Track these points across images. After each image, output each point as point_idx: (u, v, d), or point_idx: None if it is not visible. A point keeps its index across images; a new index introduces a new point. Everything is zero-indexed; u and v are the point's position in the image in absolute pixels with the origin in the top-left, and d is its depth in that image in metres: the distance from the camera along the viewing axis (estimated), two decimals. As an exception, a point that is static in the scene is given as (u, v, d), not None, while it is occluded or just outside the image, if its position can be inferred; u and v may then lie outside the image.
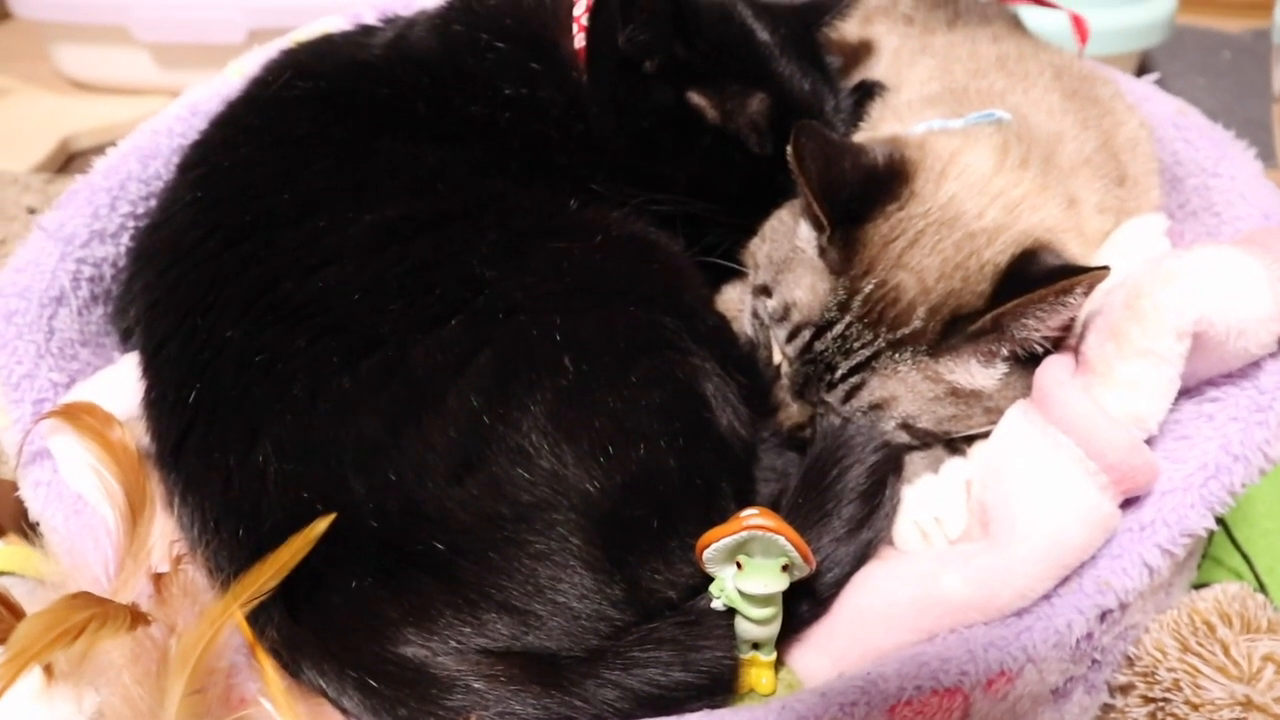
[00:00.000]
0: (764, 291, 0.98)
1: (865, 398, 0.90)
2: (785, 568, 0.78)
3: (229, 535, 0.81)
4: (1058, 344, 0.90)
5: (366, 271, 0.86)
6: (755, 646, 0.82)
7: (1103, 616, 0.80)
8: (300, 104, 1.02)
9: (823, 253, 0.93)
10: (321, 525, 0.75)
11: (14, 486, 0.94)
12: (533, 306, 0.85)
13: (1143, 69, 2.11)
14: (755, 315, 1.00)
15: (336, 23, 1.28)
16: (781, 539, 0.76)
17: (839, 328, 0.90)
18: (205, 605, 0.76)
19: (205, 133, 1.06)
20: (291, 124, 1.00)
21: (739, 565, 0.79)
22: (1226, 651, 0.85)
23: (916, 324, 0.88)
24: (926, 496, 0.90)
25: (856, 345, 0.89)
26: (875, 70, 1.24)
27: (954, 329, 0.87)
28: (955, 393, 0.89)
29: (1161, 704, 0.85)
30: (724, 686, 0.80)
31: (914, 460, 0.92)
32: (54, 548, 0.86)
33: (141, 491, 0.86)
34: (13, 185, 1.82)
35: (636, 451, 0.80)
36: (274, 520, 0.78)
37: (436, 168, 0.96)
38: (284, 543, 0.75)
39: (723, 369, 0.89)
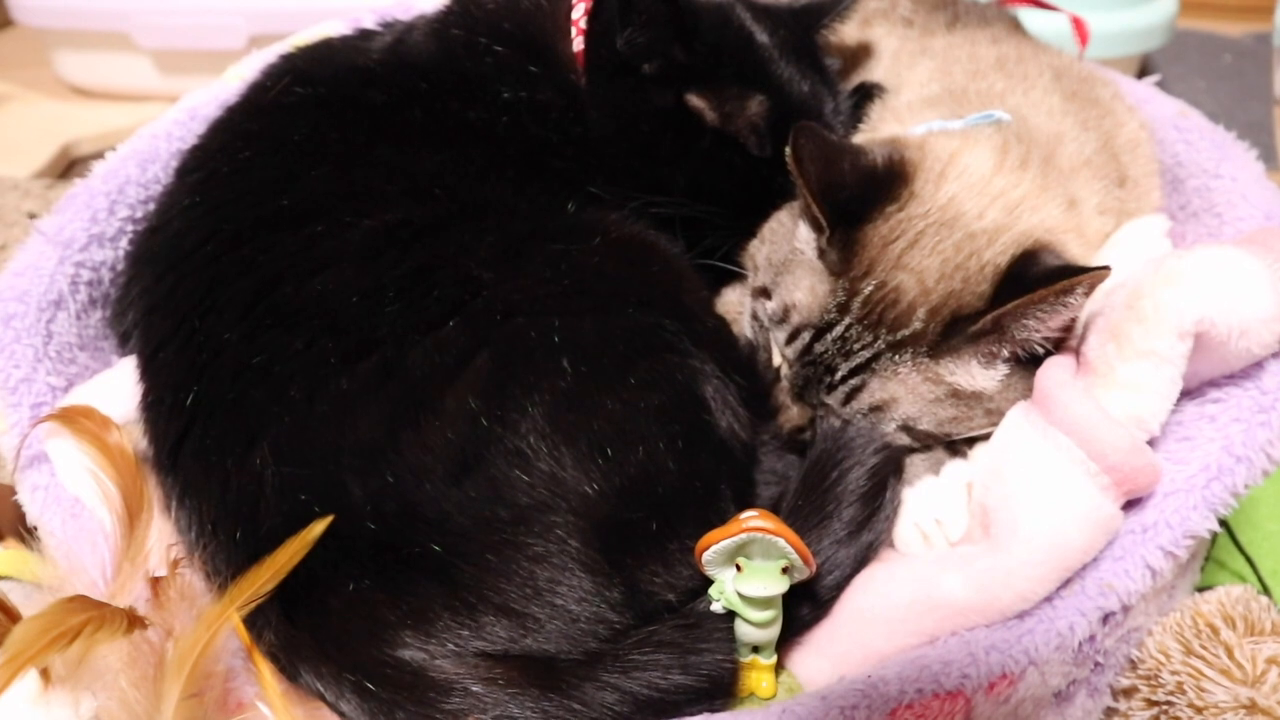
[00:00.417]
0: (763, 294, 0.98)
1: (865, 400, 0.89)
2: (785, 570, 0.78)
3: (226, 538, 0.80)
4: (1059, 345, 0.90)
5: (364, 275, 0.86)
6: (755, 650, 0.82)
7: (1105, 619, 0.80)
8: (298, 110, 1.02)
9: (822, 254, 0.93)
10: (319, 528, 0.75)
11: (12, 490, 0.94)
12: (531, 309, 0.85)
13: (1143, 72, 2.11)
14: (755, 317, 1.00)
15: (336, 27, 1.29)
16: (781, 541, 0.76)
17: (839, 329, 0.90)
18: (202, 608, 0.76)
19: (204, 138, 1.06)
20: (290, 130, 1.00)
21: (739, 568, 0.78)
22: (1230, 654, 0.84)
23: (917, 325, 0.88)
24: (927, 498, 0.89)
25: (856, 347, 0.89)
26: (874, 72, 1.24)
27: (954, 330, 0.87)
28: (956, 394, 0.89)
29: (1165, 707, 0.85)
30: (724, 690, 0.79)
31: (914, 462, 0.92)
32: (51, 551, 0.86)
33: (139, 495, 0.86)
34: (13, 191, 1.82)
35: (635, 454, 0.80)
36: (271, 523, 0.78)
37: (434, 172, 0.96)
38: (281, 545, 0.75)
39: (722, 371, 0.89)
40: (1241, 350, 0.84)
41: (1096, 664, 0.84)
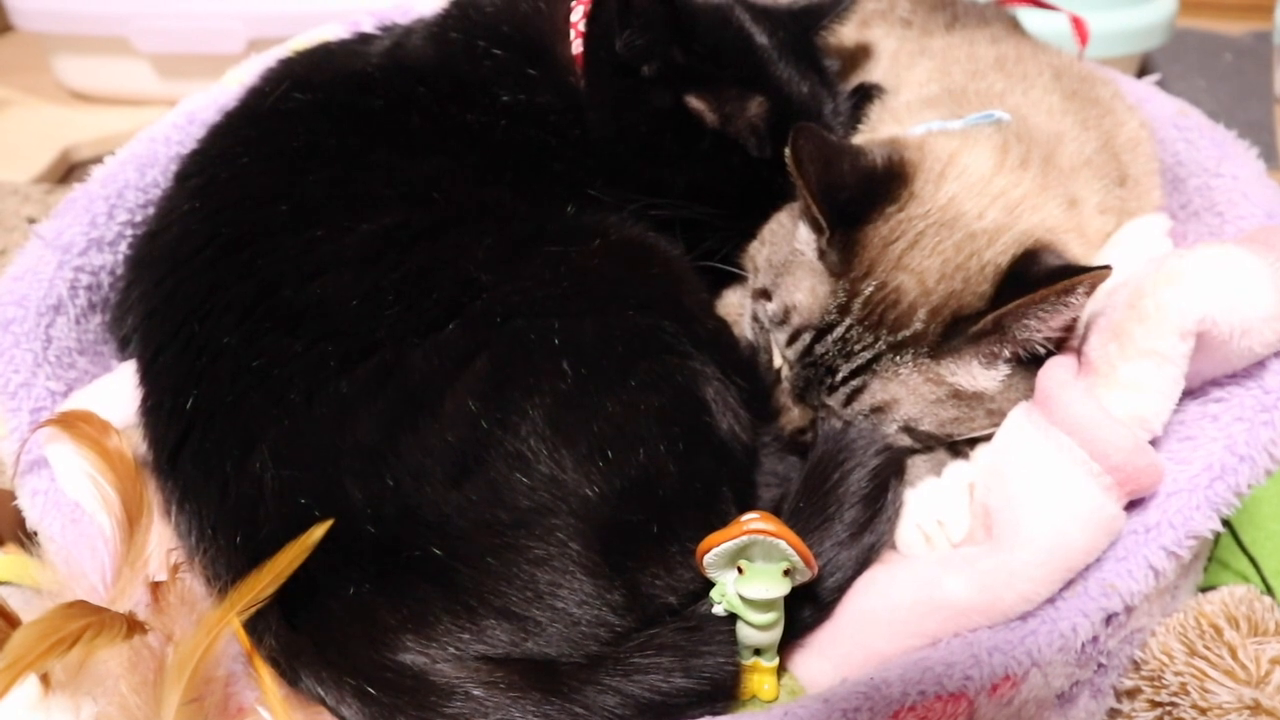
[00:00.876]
0: (764, 295, 0.97)
1: (867, 401, 0.89)
2: (787, 572, 0.78)
3: (226, 542, 0.80)
4: (1060, 345, 0.89)
5: (364, 278, 0.86)
6: (757, 652, 0.82)
7: (1108, 620, 0.80)
8: (297, 115, 1.02)
9: (822, 255, 0.93)
10: (319, 531, 0.75)
11: (11, 495, 0.94)
12: (531, 311, 0.84)
13: (1143, 71, 2.10)
14: (755, 319, 1.00)
15: (335, 31, 1.28)
16: (783, 543, 0.76)
17: (839, 330, 0.89)
18: (203, 613, 0.76)
19: (203, 142, 1.06)
20: (288, 135, 1.00)
21: (740, 570, 0.78)
22: (1234, 655, 0.84)
23: (917, 326, 0.88)
24: (929, 500, 0.89)
25: (857, 348, 0.89)
26: (873, 73, 1.24)
27: (955, 330, 0.87)
28: (957, 395, 0.88)
29: (1169, 708, 0.84)
30: (726, 693, 0.79)
31: (916, 463, 0.91)
32: (51, 556, 0.86)
33: (139, 499, 0.86)
34: (13, 196, 1.82)
35: (636, 456, 0.80)
36: (271, 527, 0.78)
37: (433, 176, 0.95)
38: (281, 549, 0.74)
39: (723, 373, 0.89)
40: (1244, 349, 0.84)
41: (1100, 665, 0.84)
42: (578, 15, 1.09)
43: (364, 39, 1.16)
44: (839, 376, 0.90)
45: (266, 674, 0.75)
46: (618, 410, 0.81)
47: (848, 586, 0.84)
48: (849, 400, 0.90)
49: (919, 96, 1.11)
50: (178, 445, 0.85)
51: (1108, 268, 0.83)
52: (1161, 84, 1.31)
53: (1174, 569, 0.82)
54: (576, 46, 1.08)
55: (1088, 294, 0.84)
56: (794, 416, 0.95)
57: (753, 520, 0.76)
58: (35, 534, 0.90)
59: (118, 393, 0.96)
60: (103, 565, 0.83)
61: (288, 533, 0.75)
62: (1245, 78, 2.27)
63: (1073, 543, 0.79)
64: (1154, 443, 0.86)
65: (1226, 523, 0.84)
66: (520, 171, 0.99)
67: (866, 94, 1.18)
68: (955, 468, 0.91)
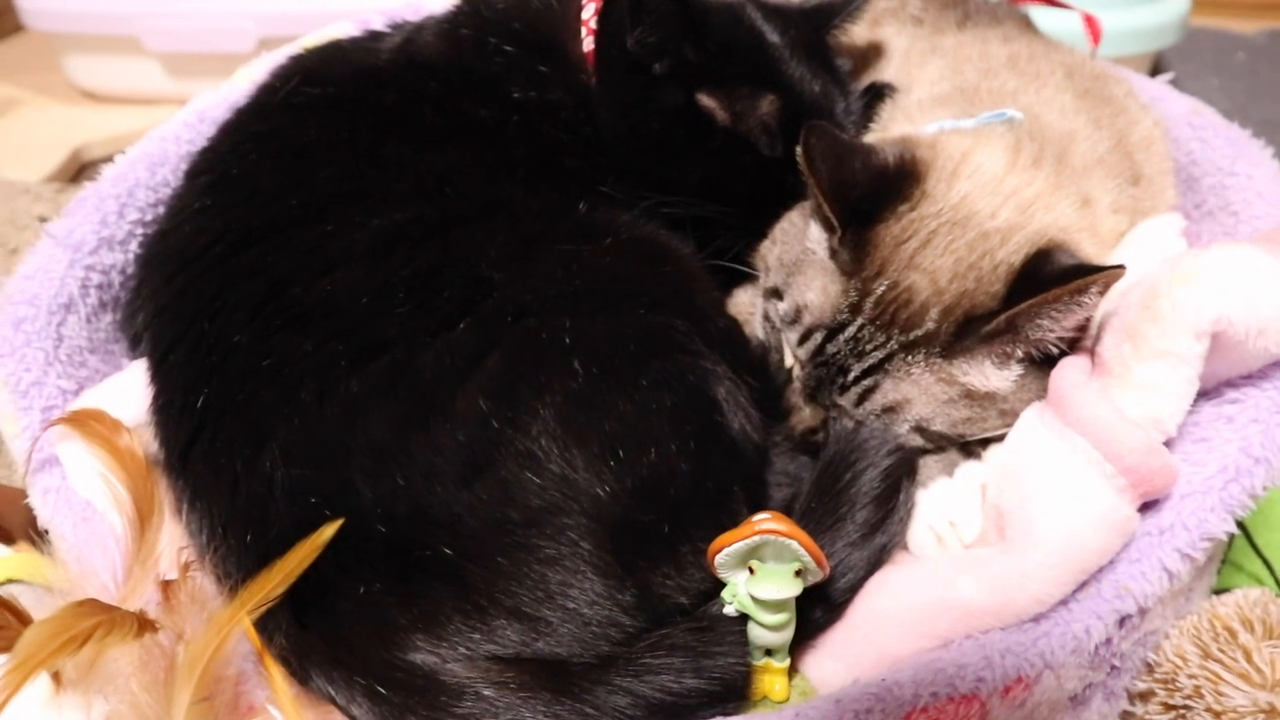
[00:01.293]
0: (775, 294, 0.97)
1: (878, 400, 0.89)
2: (798, 573, 0.78)
3: (237, 541, 0.80)
4: (1073, 345, 0.89)
5: (374, 275, 0.86)
6: (768, 653, 0.81)
7: (1121, 622, 0.79)
8: (308, 110, 1.02)
9: (834, 254, 0.93)
10: (329, 530, 0.75)
11: (23, 494, 0.94)
12: (542, 309, 0.84)
13: (1156, 70, 2.09)
14: (766, 318, 0.99)
15: (346, 29, 1.28)
16: (794, 544, 0.76)
17: (851, 330, 0.89)
18: (213, 612, 0.76)
19: (213, 139, 1.06)
20: (299, 130, 1.00)
21: (751, 570, 0.78)
22: (1249, 658, 0.84)
23: (929, 325, 0.87)
24: (941, 500, 0.89)
25: (869, 347, 0.89)
26: (885, 72, 1.24)
27: (968, 330, 0.86)
28: (969, 395, 0.88)
29: (1182, 711, 0.84)
30: (737, 693, 0.79)
31: (928, 464, 0.91)
32: (62, 555, 0.86)
33: (149, 498, 0.86)
34: (25, 195, 1.83)
35: (647, 455, 0.80)
36: (281, 526, 0.78)
37: (444, 172, 0.95)
38: (292, 548, 0.74)
39: (734, 372, 0.89)
40: (1259, 349, 0.83)
41: (1113, 667, 0.84)
42: (589, 12, 1.09)
43: (375, 36, 1.16)
44: (851, 376, 0.89)
45: (277, 673, 0.75)
46: (629, 409, 0.80)
47: (859, 587, 0.84)
48: (861, 400, 0.89)
49: (931, 95, 1.11)
50: (188, 444, 0.85)
51: (1121, 267, 0.82)
52: (1174, 83, 1.30)
53: (1188, 571, 0.81)
54: (588, 44, 1.08)
55: (1101, 294, 0.83)
56: (805, 416, 0.94)
57: (764, 520, 0.76)
58: (46, 532, 0.90)
59: (129, 391, 0.96)
60: (114, 564, 0.83)
61: (298, 532, 0.75)
62: (1259, 76, 2.25)
63: (1086, 544, 0.79)
64: (1168, 444, 0.85)
65: (1241, 525, 0.84)
66: (532, 168, 0.99)
67: (878, 92, 1.17)
68: (967, 468, 0.91)
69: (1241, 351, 0.84)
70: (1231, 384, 0.88)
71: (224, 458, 0.82)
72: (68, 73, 2.22)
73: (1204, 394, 0.87)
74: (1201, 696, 0.83)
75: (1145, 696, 0.87)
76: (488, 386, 0.80)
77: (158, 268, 0.97)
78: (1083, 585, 0.80)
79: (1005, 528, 0.83)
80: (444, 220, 0.90)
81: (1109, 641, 0.79)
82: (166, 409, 0.88)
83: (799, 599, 0.79)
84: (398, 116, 1.00)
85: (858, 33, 1.24)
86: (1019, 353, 0.87)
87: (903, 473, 0.88)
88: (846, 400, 0.90)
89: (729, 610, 0.80)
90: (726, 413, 0.86)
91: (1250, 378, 0.88)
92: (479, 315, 0.84)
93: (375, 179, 0.94)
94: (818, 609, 0.83)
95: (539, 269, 0.87)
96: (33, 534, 0.93)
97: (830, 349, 0.90)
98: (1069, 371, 0.86)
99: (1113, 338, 0.86)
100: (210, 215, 0.95)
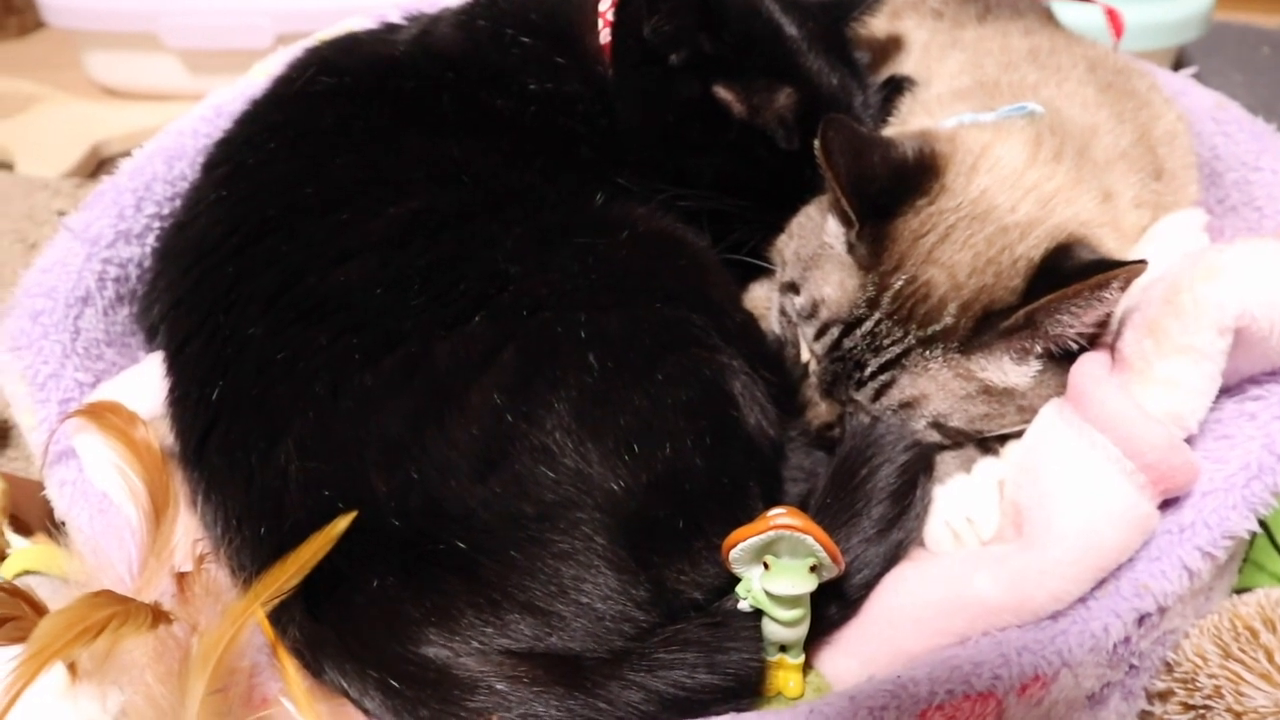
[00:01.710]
0: (792, 288, 0.97)
1: (895, 396, 0.88)
2: (813, 569, 0.77)
3: (251, 534, 0.80)
4: (1093, 341, 0.88)
5: (389, 266, 0.86)
6: (783, 649, 0.81)
7: (1140, 620, 0.79)
8: (324, 99, 1.02)
9: (851, 249, 0.92)
10: (343, 523, 0.75)
11: (40, 486, 0.94)
12: (557, 303, 0.84)
13: (1179, 65, 2.07)
14: (783, 312, 0.99)
15: (362, 23, 1.28)
16: (809, 539, 0.75)
17: (868, 325, 0.88)
18: (227, 604, 0.76)
19: (230, 130, 1.06)
20: (315, 119, 1.00)
21: (766, 566, 0.78)
22: (1270, 658, 0.83)
23: (948, 320, 0.86)
24: (958, 496, 0.88)
25: (886, 342, 0.88)
26: (904, 65, 1.23)
27: (986, 325, 0.86)
28: (988, 391, 0.87)
29: (1202, 711, 0.83)
30: (751, 689, 0.78)
31: (945, 460, 0.90)
32: (78, 546, 0.87)
33: (165, 490, 0.86)
34: (44, 190, 1.84)
35: (662, 450, 0.79)
36: (295, 518, 0.78)
37: (461, 162, 0.95)
38: (306, 541, 0.74)
39: (750, 367, 0.88)
40: (1283, 346, 0.82)
41: (1131, 666, 0.83)
42: (606, 4, 1.08)
43: (391, 28, 1.16)
44: (867, 371, 0.89)
45: (290, 665, 0.75)
46: (644, 404, 0.80)
47: (875, 583, 0.84)
48: (877, 395, 0.89)
49: (950, 89, 1.10)
50: (204, 436, 0.85)
51: (1143, 262, 0.82)
52: (1197, 78, 1.29)
53: (1209, 570, 0.81)
54: (605, 35, 1.07)
55: (1122, 289, 0.82)
56: (821, 411, 0.94)
57: (779, 515, 0.76)
58: (63, 524, 0.91)
59: (145, 384, 0.96)
60: (129, 555, 0.83)
61: (312, 524, 0.75)
62: (1283, 72, 2.23)
63: (1105, 541, 0.78)
64: (1190, 441, 0.84)
65: (1263, 523, 0.83)
66: (548, 160, 0.99)
67: (897, 86, 1.16)
68: (985, 464, 0.90)
69: (1265, 347, 0.83)
70: (1254, 380, 0.88)
71: (239, 450, 0.82)
72: (87, 69, 2.23)
73: (1226, 390, 0.86)
74: (1222, 696, 0.82)
75: (1164, 696, 0.86)
76: (502, 380, 0.80)
77: (174, 260, 0.97)
78: (1101, 583, 0.79)
79: (1023, 524, 0.83)
80: (460, 210, 0.90)
81: (1127, 640, 0.79)
82: (182, 401, 0.89)
83: (814, 595, 0.78)
84: (414, 106, 1.00)
85: (877, 25, 1.24)
86: (1038, 348, 0.87)
87: (919, 468, 0.87)
88: (863, 395, 0.89)
89: (743, 606, 0.79)
90: (742, 407, 0.85)
91: (1274, 374, 0.87)
92: (494, 309, 0.83)
93: (391, 168, 0.94)
94: (833, 605, 0.82)
95: (555, 262, 0.87)
96: (50, 525, 0.93)
97: (847, 344, 0.89)
98: (1089, 367, 0.85)
99: (1134, 333, 0.86)
100: (226, 206, 0.95)
